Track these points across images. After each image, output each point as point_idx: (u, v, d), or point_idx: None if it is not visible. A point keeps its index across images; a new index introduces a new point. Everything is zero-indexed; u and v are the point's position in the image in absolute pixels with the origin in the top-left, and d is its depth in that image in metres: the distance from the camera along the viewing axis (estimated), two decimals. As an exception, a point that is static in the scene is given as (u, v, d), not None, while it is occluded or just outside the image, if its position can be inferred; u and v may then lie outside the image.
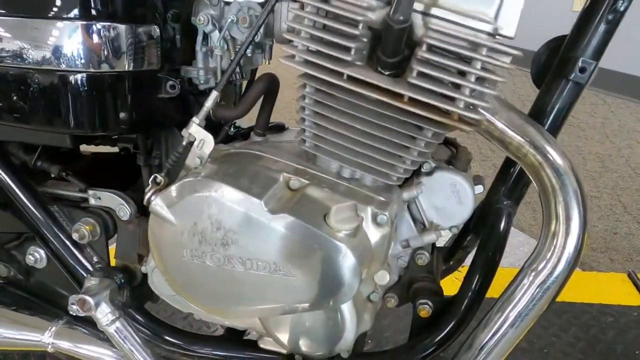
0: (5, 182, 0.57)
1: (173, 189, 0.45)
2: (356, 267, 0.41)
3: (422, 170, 0.54)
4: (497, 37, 0.41)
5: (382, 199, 0.47)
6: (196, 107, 0.57)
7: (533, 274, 0.44)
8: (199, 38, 0.55)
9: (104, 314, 0.52)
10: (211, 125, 0.61)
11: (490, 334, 0.46)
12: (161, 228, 0.46)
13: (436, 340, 0.54)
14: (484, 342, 0.46)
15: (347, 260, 0.41)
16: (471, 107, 0.41)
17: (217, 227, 0.43)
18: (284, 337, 0.49)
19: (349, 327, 0.46)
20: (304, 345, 0.49)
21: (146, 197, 0.46)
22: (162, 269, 0.48)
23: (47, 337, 0.58)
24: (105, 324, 0.52)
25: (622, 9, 0.45)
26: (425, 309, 0.54)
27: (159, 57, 0.51)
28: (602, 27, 0.46)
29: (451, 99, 0.41)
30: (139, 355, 0.53)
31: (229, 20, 0.53)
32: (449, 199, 0.54)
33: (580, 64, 0.46)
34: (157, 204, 0.45)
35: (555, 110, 0.49)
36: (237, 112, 0.59)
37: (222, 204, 0.43)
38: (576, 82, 0.47)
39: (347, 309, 0.45)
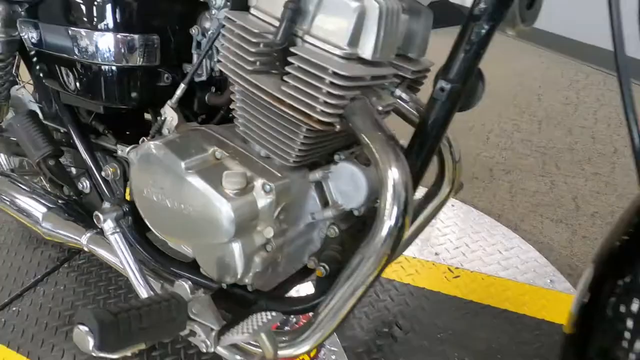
0: (74, 134, 0.86)
1: (141, 147, 0.66)
2: (232, 218, 0.58)
3: (334, 159, 0.68)
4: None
5: (278, 174, 0.63)
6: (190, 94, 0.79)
7: (360, 256, 0.55)
8: (194, 44, 0.76)
9: (109, 227, 0.77)
10: (209, 108, 0.83)
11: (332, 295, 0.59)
12: (134, 172, 0.68)
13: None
14: (329, 301, 0.59)
15: (226, 213, 0.58)
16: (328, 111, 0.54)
17: (159, 174, 0.64)
18: (202, 264, 0.69)
19: (238, 263, 0.63)
20: (215, 273, 0.67)
21: (128, 149, 0.69)
22: (137, 202, 0.71)
23: (84, 239, 0.86)
24: (108, 234, 0.77)
25: (475, 38, 0.52)
26: (320, 270, 0.68)
27: (158, 56, 0.74)
28: (462, 54, 0.54)
29: (312, 105, 0.55)
30: (128, 262, 0.77)
31: (210, 32, 0.73)
32: (348, 185, 0.66)
33: (439, 84, 0.55)
34: (132, 154, 0.67)
35: (429, 123, 0.58)
36: (222, 99, 0.79)
37: (162, 160, 0.63)
38: (439, 101, 0.56)
39: (236, 248, 0.62)
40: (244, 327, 0.61)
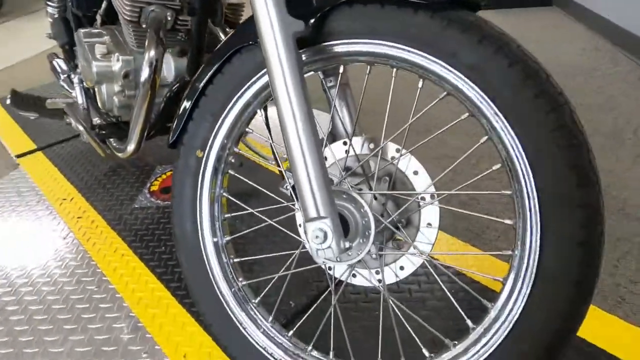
0: (75, 29, 1.48)
1: (77, 32, 1.24)
2: (95, 70, 1.12)
3: (167, 52, 1.17)
4: None
5: (128, 52, 1.14)
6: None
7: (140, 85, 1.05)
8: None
9: (75, 82, 1.38)
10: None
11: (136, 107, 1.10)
12: (77, 46, 1.27)
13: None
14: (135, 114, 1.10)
15: (92, 66, 1.13)
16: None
17: (80, 47, 1.21)
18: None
19: (105, 100, 1.17)
20: (104, 108, 1.23)
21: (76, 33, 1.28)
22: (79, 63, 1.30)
23: (73, 95, 1.50)
24: (74, 85, 1.38)
25: None
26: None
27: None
28: None
29: (122, 12, 1.04)
30: (81, 100, 1.38)
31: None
32: (167, 64, 1.15)
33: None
34: (75, 36, 1.26)
35: (194, 28, 1.04)
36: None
37: (81, 39, 1.20)
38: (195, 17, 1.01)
39: (102, 90, 1.17)
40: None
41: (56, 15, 1.52)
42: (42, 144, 1.89)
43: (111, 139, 1.27)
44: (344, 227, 0.71)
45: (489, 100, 0.63)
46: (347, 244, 0.66)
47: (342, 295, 1.09)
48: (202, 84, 0.80)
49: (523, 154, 0.62)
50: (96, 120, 1.28)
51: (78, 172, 1.68)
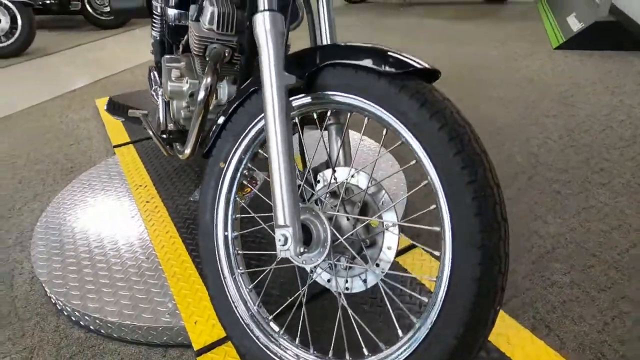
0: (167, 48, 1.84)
1: (163, 58, 1.57)
2: (169, 90, 1.44)
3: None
4: None
5: (196, 77, 1.44)
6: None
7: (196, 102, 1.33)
8: (207, 18, 1.61)
9: (159, 96, 1.73)
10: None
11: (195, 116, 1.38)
12: (163, 67, 1.61)
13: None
14: (193, 124, 1.39)
15: (168, 86, 1.44)
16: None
17: (164, 69, 1.54)
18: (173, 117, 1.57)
19: (176, 113, 1.48)
20: (175, 119, 1.54)
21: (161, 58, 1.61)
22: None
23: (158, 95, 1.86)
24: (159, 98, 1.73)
25: None
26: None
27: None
28: None
29: (192, 46, 1.33)
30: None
31: (208, 13, 1.56)
32: (222, 89, 1.43)
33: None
34: (162, 60, 1.59)
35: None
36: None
37: (167, 64, 1.53)
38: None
39: (174, 105, 1.48)
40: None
41: (157, 38, 1.90)
42: (135, 139, 2.31)
43: (176, 143, 1.59)
44: (308, 236, 0.90)
45: (425, 153, 0.79)
46: (302, 249, 0.85)
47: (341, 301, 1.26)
48: (229, 113, 1.05)
49: (444, 196, 0.76)
50: (170, 127, 1.60)
51: (155, 165, 2.05)
